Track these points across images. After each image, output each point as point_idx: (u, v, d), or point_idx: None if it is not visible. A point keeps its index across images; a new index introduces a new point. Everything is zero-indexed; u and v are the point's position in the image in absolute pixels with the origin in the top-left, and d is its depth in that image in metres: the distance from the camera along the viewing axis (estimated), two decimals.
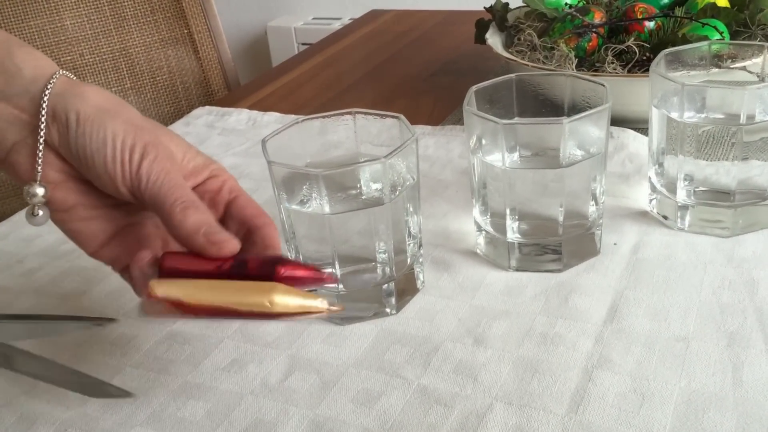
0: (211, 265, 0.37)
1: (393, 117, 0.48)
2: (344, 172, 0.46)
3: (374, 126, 0.50)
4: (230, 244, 0.38)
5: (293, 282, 0.37)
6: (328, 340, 0.45)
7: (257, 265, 0.37)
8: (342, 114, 0.50)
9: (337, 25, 1.74)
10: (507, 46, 0.73)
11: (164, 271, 0.38)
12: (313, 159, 0.49)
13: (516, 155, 0.49)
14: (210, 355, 0.44)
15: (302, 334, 0.45)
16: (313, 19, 1.99)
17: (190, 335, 0.46)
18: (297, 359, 0.43)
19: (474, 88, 0.50)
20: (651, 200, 0.54)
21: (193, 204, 0.38)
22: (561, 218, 0.48)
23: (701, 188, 0.51)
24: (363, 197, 0.47)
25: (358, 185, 0.47)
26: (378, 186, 0.45)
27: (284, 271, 0.37)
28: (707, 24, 0.63)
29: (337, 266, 0.45)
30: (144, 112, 1.11)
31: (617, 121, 0.64)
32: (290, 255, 0.47)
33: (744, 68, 0.55)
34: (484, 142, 0.49)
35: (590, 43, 0.67)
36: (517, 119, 0.52)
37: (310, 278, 0.38)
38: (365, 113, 0.49)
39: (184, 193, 0.39)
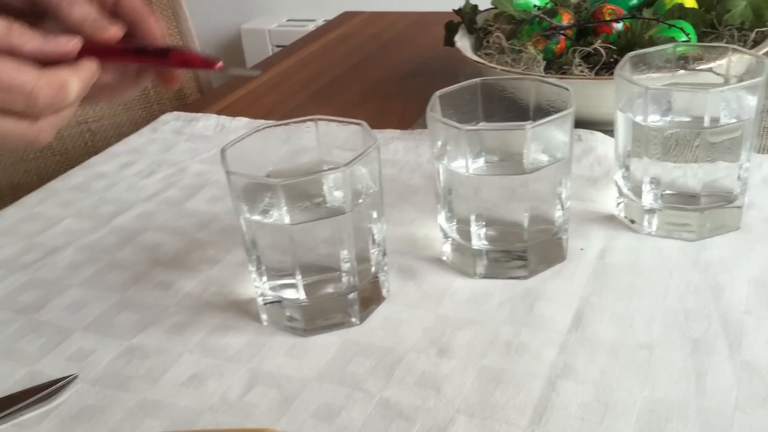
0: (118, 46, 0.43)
1: (356, 124, 0.48)
2: (304, 181, 0.45)
3: (339, 132, 0.49)
4: (110, 31, 0.42)
5: (184, 63, 0.43)
6: (291, 352, 0.44)
7: (153, 48, 0.44)
8: (304, 121, 0.49)
9: (311, 27, 1.73)
10: (476, 48, 0.73)
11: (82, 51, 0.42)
12: (276, 167, 0.49)
13: (482, 161, 0.48)
14: (170, 370, 0.43)
15: (264, 347, 0.44)
16: (288, 21, 1.98)
17: (150, 349, 0.45)
18: (258, 373, 0.42)
19: (438, 93, 0.50)
20: (618, 204, 0.54)
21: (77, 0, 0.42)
22: (526, 224, 0.47)
23: (668, 192, 0.51)
24: (327, 205, 0.46)
25: (322, 193, 0.46)
26: (341, 194, 0.45)
27: (177, 54, 0.43)
28: (674, 26, 0.63)
29: (299, 276, 0.45)
30: (115, 117, 1.10)
31: (586, 123, 0.64)
32: (252, 266, 0.46)
33: (710, 70, 0.55)
34: (448, 148, 0.48)
35: (558, 45, 0.66)
36: (482, 124, 0.51)
37: (200, 61, 0.43)
38: (328, 120, 0.49)
39: None
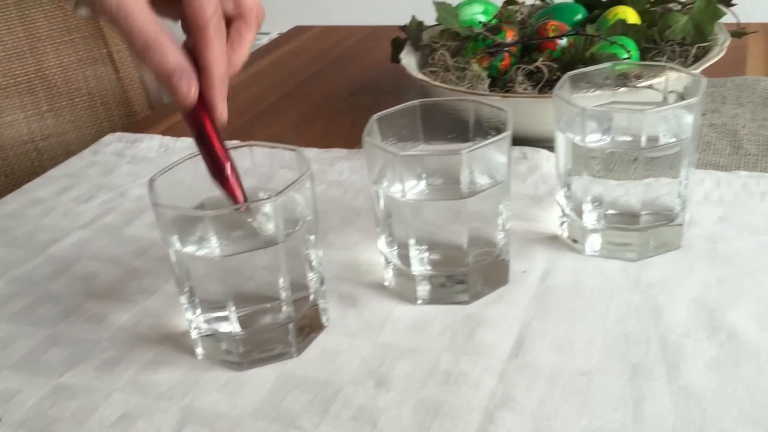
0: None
1: (290, 150, 0.46)
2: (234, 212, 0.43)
3: (276, 156, 0.48)
4: (188, 99, 0.39)
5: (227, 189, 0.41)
6: (225, 387, 0.42)
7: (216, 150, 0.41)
8: (238, 147, 0.47)
9: (264, 41, 1.71)
10: (423, 65, 0.72)
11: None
12: (209, 195, 0.47)
13: (423, 184, 0.48)
14: (97, 410, 0.42)
15: (198, 383, 0.43)
16: None
17: (78, 388, 0.43)
18: (190, 411, 0.41)
19: (376, 116, 0.49)
20: (561, 223, 0.53)
21: (154, 43, 0.38)
22: (467, 247, 0.47)
23: (610, 211, 0.50)
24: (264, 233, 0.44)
25: (259, 222, 0.45)
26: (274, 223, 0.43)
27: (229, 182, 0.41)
28: (615, 42, 0.63)
29: (233, 308, 0.43)
30: (63, 135, 1.08)
31: (531, 140, 0.64)
32: (184, 299, 0.44)
33: (650, 86, 0.55)
34: (386, 173, 0.47)
35: (503, 62, 0.66)
36: (422, 146, 0.51)
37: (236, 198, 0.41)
38: (262, 146, 0.48)
39: (145, 29, 0.38)
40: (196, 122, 0.42)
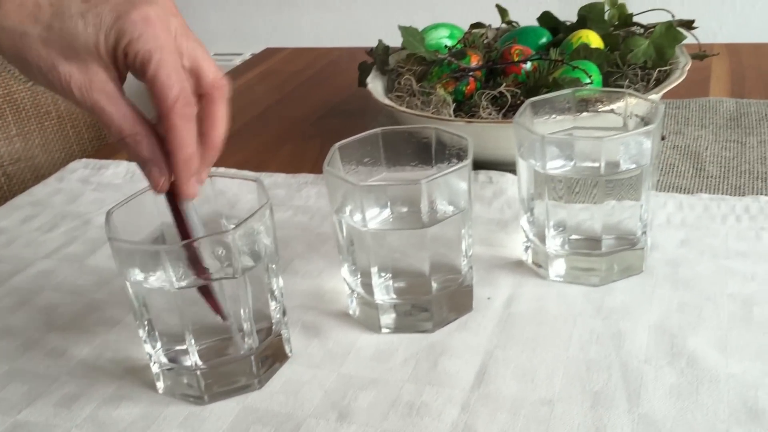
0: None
1: (252, 180, 0.46)
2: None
3: (239, 184, 0.47)
4: (158, 188, 0.41)
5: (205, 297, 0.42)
6: (185, 423, 0.42)
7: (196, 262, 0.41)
8: None
9: (237, 62, 1.71)
10: (389, 89, 0.72)
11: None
12: (165, 220, 0.47)
13: (387, 212, 0.48)
14: None
15: (158, 419, 0.42)
16: (214, 55, 1.95)
17: (35, 426, 0.43)
18: None
19: (337, 145, 0.49)
20: (526, 248, 0.53)
21: (128, 138, 0.40)
22: (429, 276, 0.46)
23: (574, 236, 0.51)
24: (225, 264, 0.44)
25: (217, 253, 0.44)
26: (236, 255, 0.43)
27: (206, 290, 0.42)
28: (578, 67, 0.63)
29: (192, 341, 0.43)
30: (32, 159, 1.07)
31: (496, 164, 0.64)
32: (142, 332, 0.44)
33: (612, 111, 0.56)
34: (348, 202, 0.47)
35: (468, 87, 0.66)
36: (384, 174, 0.51)
37: (214, 308, 0.42)
38: (223, 176, 0.47)
39: (119, 124, 0.39)
40: (170, 200, 0.43)
